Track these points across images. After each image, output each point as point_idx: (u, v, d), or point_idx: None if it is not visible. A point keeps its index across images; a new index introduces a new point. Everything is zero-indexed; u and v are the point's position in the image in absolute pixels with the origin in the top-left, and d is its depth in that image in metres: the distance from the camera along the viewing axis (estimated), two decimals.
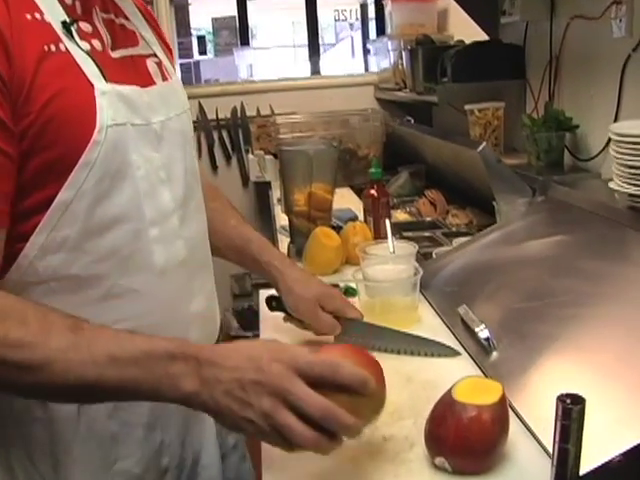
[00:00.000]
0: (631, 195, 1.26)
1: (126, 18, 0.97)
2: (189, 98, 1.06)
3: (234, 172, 3.49)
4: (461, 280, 1.36)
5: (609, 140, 1.30)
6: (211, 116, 3.41)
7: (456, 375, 0.86)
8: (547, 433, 0.83)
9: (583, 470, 0.70)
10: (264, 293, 1.28)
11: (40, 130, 0.78)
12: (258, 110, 3.40)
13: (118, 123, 0.83)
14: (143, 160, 0.88)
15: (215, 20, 4.53)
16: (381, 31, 3.72)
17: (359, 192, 2.37)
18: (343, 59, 7.65)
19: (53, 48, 0.80)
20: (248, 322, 3.22)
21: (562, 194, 1.52)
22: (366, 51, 3.88)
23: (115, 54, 0.90)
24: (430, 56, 2.41)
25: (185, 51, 4.39)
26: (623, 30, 1.62)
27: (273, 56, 8.11)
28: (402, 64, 2.79)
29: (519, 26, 2.20)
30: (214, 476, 1.05)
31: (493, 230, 1.53)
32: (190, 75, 4.75)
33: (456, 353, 1.10)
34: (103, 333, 0.76)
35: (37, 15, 0.80)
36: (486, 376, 1.01)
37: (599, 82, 1.78)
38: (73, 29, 0.83)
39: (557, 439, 0.69)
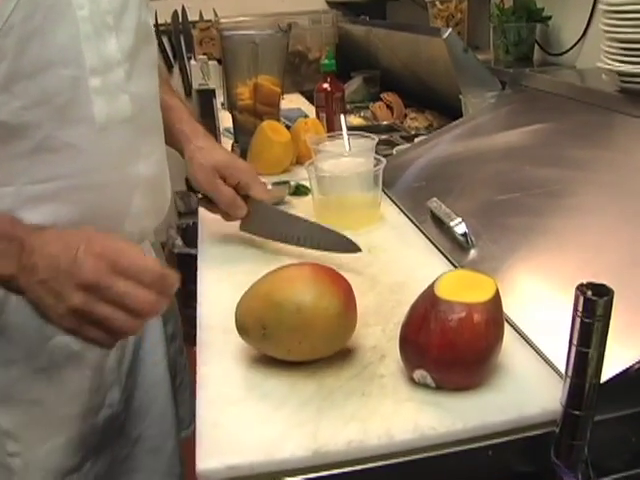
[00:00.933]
0: (622, 75, 1.10)
1: None
2: None
3: (176, 82, 3.25)
4: (428, 175, 1.19)
5: (584, 32, 1.14)
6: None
7: (428, 277, 0.69)
8: (545, 339, 0.69)
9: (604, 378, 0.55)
10: None
11: None
12: (201, 14, 3.15)
13: None
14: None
15: None
16: None
17: (310, 99, 2.20)
18: None
19: None
20: (192, 239, 3.04)
21: (538, 82, 1.36)
22: None
23: None
24: None
25: None
26: None
27: None
28: None
29: None
30: (159, 361, 1.03)
31: (461, 123, 1.36)
32: None
33: (357, 249, 0.92)
34: None
35: None
36: None
37: None
38: None
39: (575, 342, 0.53)
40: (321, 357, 0.70)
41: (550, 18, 1.74)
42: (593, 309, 0.51)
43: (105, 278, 0.65)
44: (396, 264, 0.92)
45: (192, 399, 1.06)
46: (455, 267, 0.89)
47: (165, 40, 3.20)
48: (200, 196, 1.05)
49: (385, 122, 2.06)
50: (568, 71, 1.55)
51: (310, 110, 1.89)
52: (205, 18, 3.12)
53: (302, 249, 0.96)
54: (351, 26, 2.57)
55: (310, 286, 0.68)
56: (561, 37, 1.73)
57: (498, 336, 0.63)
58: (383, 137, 1.83)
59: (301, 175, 1.31)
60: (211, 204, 1.03)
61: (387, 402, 0.63)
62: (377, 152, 1.19)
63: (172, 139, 1.05)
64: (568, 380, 0.55)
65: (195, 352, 0.75)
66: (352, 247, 0.92)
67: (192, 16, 3.17)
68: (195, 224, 3.37)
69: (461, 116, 1.46)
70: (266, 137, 1.37)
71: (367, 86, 2.47)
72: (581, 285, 0.53)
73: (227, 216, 1.02)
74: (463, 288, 0.64)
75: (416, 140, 1.51)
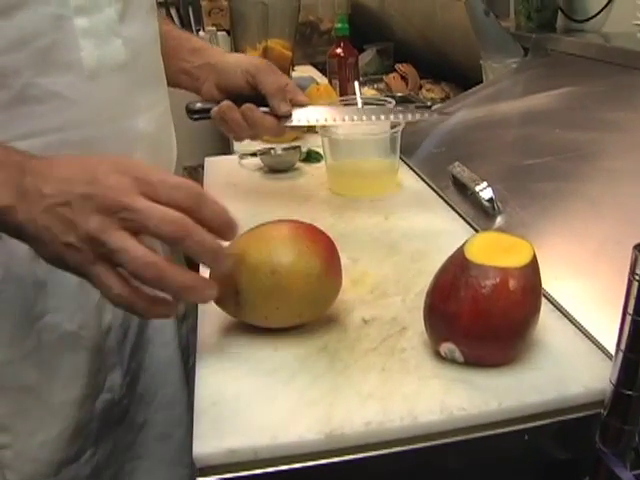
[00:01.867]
0: None
1: None
2: None
3: None
4: (449, 141, 1.11)
5: None
6: None
7: (452, 245, 0.61)
8: (585, 312, 0.62)
9: None
10: None
11: None
12: None
13: None
14: None
15: None
16: None
17: (322, 71, 2.13)
18: None
19: None
20: None
21: (565, 45, 1.27)
22: None
23: None
24: None
25: None
26: None
27: None
28: None
29: None
30: (169, 340, 0.93)
31: (482, 87, 1.28)
32: None
33: None
34: None
35: None
36: None
37: None
38: None
39: (630, 310, 0.46)
40: (302, 323, 0.63)
41: None
42: None
43: (132, 197, 0.54)
44: (416, 231, 0.85)
45: None
46: None
47: (173, 12, 3.11)
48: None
49: (399, 93, 1.97)
50: (595, 35, 1.47)
51: (322, 81, 1.81)
52: None
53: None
54: None
55: (287, 245, 0.61)
56: (586, 2, 1.64)
57: (536, 306, 0.56)
58: (397, 108, 1.74)
59: (314, 143, 1.23)
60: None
61: (410, 379, 0.55)
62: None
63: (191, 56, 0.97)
64: (620, 354, 0.47)
65: None
66: None
67: None
68: None
69: None
70: None
71: (381, 58, 2.39)
72: (639, 244, 0.45)
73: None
74: (497, 251, 0.56)
75: (434, 107, 1.43)
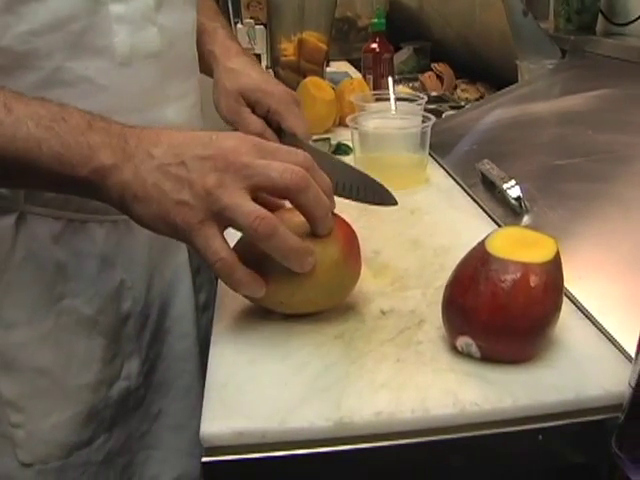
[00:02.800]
0: None
1: None
2: None
3: None
4: (480, 139, 1.10)
5: None
6: None
7: (477, 241, 0.59)
8: (609, 314, 0.60)
9: None
10: None
11: None
12: None
13: None
14: None
15: None
16: None
17: (358, 67, 2.11)
18: None
19: None
20: None
21: (604, 47, 1.25)
22: None
23: None
24: None
25: None
26: None
27: None
28: None
29: None
30: (188, 332, 0.90)
31: (517, 87, 1.26)
32: None
33: (394, 202, 0.77)
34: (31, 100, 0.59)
35: None
36: None
37: None
38: None
39: None
40: (319, 311, 0.62)
41: None
42: None
43: (251, 158, 0.54)
44: (441, 227, 0.84)
45: None
46: None
47: None
48: None
49: (434, 93, 1.96)
50: (635, 38, 1.44)
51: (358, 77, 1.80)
52: None
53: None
54: None
55: (305, 231, 0.59)
56: (628, 5, 1.61)
57: (557, 303, 0.55)
58: (431, 107, 1.73)
59: (344, 137, 1.22)
60: None
61: (424, 371, 0.55)
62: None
63: (204, 66, 0.93)
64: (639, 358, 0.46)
65: None
66: (389, 199, 0.77)
67: None
68: None
69: None
70: (308, 94, 1.28)
71: (417, 57, 2.36)
72: None
73: None
74: (519, 246, 0.55)
75: (466, 107, 1.41)
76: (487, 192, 0.89)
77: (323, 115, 1.30)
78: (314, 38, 1.44)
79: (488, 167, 0.89)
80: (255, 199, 0.56)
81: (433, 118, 0.98)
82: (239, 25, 2.92)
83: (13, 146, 0.56)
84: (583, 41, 1.34)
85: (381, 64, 1.50)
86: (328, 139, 1.16)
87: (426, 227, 0.84)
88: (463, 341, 0.55)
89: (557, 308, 0.55)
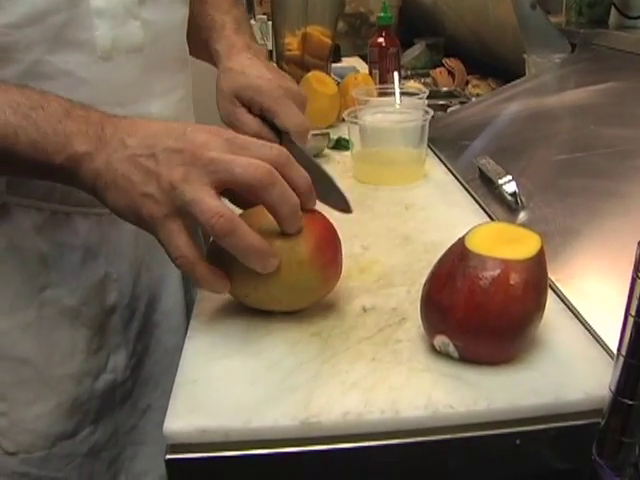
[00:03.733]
0: None
1: None
2: None
3: None
4: (482, 133, 1.07)
5: None
6: None
7: None
8: (599, 314, 0.58)
9: None
10: None
11: None
12: None
13: None
14: None
15: None
16: None
17: None
18: None
19: None
20: None
21: (615, 41, 1.22)
22: None
23: None
24: None
25: None
26: None
27: None
28: None
29: None
30: (177, 327, 0.90)
31: (522, 82, 1.23)
32: None
33: (348, 210, 0.69)
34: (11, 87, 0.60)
35: None
36: None
37: None
38: None
39: (633, 311, 0.42)
40: (288, 310, 0.60)
41: None
42: None
43: (221, 153, 0.54)
44: (434, 223, 0.81)
45: None
46: None
47: None
48: None
49: (445, 88, 1.93)
50: None
51: (363, 72, 1.78)
52: None
53: None
54: None
55: (275, 226, 0.57)
56: None
57: (539, 303, 0.52)
58: (441, 102, 1.71)
59: (345, 131, 1.20)
60: None
61: (399, 370, 0.53)
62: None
63: (214, 65, 0.91)
64: (621, 360, 0.44)
65: None
66: (343, 206, 0.69)
67: None
68: None
69: None
70: (310, 88, 1.26)
71: (430, 53, 2.34)
72: None
73: None
74: (501, 242, 0.53)
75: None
76: (485, 188, 0.87)
77: (325, 110, 1.28)
78: (318, 32, 1.42)
79: (484, 162, 0.87)
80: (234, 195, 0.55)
81: (431, 112, 0.95)
82: (252, 21, 2.91)
83: None
84: (592, 35, 1.31)
85: (387, 58, 1.48)
86: (327, 134, 1.14)
87: (419, 223, 0.82)
88: (440, 340, 0.53)
89: (539, 307, 0.53)
